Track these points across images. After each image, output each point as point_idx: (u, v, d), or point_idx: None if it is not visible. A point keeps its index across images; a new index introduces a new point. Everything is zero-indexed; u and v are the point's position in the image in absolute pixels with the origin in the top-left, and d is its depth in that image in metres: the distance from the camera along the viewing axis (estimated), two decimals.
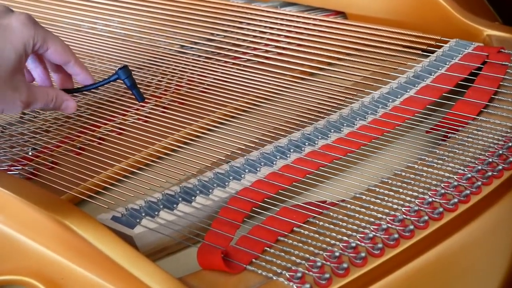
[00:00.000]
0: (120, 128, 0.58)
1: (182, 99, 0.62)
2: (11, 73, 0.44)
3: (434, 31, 0.65)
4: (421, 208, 0.43)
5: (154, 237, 0.45)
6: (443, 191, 0.44)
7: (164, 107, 0.61)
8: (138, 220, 0.45)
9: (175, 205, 0.46)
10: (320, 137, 0.52)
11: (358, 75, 0.62)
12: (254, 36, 0.71)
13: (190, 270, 0.41)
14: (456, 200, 0.43)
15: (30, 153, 0.56)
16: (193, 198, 0.47)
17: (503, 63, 0.58)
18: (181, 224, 0.45)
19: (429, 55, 0.61)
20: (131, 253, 0.40)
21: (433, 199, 0.44)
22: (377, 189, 0.45)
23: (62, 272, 0.42)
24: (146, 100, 0.62)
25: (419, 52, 0.63)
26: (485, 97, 0.55)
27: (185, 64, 0.68)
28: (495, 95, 0.55)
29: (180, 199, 0.47)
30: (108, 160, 0.52)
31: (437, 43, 0.63)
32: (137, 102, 0.55)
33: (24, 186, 0.46)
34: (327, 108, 0.57)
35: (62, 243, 0.42)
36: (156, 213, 0.45)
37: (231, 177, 0.48)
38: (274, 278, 0.39)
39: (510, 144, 0.48)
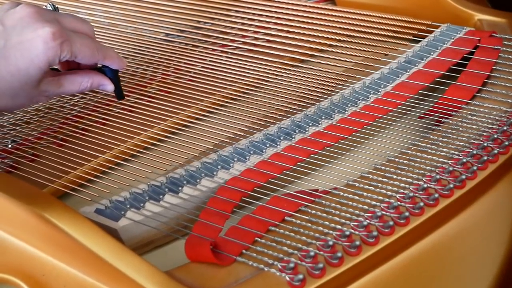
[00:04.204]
0: (104, 119, 0.56)
1: (169, 88, 0.60)
2: (37, 85, 0.44)
3: (425, 16, 0.63)
4: (416, 195, 0.42)
5: (140, 229, 0.43)
6: (438, 176, 0.43)
7: (150, 97, 0.59)
8: (122, 213, 0.43)
9: (161, 196, 0.44)
10: (311, 124, 0.51)
11: (349, 61, 0.60)
12: (243, 24, 0.69)
13: (179, 264, 0.39)
14: (451, 185, 0.42)
15: (10, 146, 0.53)
16: (180, 188, 0.45)
17: (495, 47, 0.57)
18: (168, 216, 0.43)
19: (421, 41, 0.60)
20: (115, 246, 0.38)
21: (428, 185, 0.42)
22: (371, 176, 0.44)
23: (44, 268, 0.40)
24: (131, 90, 0.60)
25: (410, 37, 0.62)
26: (478, 81, 0.54)
27: (172, 53, 0.66)
28: (488, 79, 0.54)
29: (166, 189, 0.45)
30: (91, 151, 0.50)
31: (428, 28, 0.62)
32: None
33: (1, 179, 0.44)
34: (318, 95, 0.56)
35: (43, 237, 0.40)
36: (142, 204, 0.44)
37: (219, 166, 0.47)
38: (266, 269, 0.37)
39: (504, 128, 0.47)
